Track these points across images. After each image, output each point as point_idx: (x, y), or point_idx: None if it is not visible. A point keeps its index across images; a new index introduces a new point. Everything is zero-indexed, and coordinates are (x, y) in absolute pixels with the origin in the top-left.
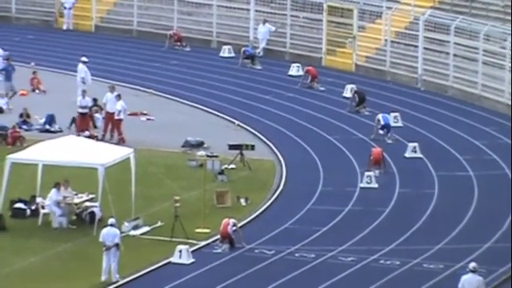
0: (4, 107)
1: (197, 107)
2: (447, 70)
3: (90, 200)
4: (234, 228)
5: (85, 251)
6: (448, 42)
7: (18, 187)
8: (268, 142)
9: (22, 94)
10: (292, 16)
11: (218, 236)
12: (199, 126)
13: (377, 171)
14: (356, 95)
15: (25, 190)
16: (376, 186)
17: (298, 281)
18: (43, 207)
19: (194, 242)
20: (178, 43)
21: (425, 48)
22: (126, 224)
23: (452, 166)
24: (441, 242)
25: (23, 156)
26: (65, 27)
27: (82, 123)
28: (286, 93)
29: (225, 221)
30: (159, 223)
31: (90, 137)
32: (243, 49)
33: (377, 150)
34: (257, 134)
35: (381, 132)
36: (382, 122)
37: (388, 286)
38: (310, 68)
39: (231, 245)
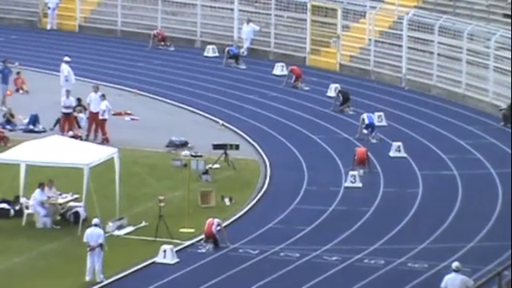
0: None
1: (181, 107)
2: (431, 70)
3: (75, 200)
4: (219, 228)
5: (69, 251)
6: (432, 41)
7: (2, 187)
8: (252, 142)
9: (8, 95)
10: (276, 15)
11: (203, 236)
12: (183, 125)
13: (361, 170)
14: (340, 94)
15: (9, 190)
16: (360, 185)
17: (282, 280)
18: (27, 207)
19: (179, 241)
20: (162, 43)
21: (409, 47)
22: (110, 224)
23: (436, 165)
24: (425, 241)
25: (7, 156)
26: (49, 27)
27: (66, 123)
28: (270, 92)
29: (209, 220)
30: (143, 223)
31: (74, 137)
32: (227, 48)
33: (361, 149)
34: (241, 133)
35: (365, 131)
36: (367, 122)
37: (372, 286)
38: (294, 67)
39: (215, 244)
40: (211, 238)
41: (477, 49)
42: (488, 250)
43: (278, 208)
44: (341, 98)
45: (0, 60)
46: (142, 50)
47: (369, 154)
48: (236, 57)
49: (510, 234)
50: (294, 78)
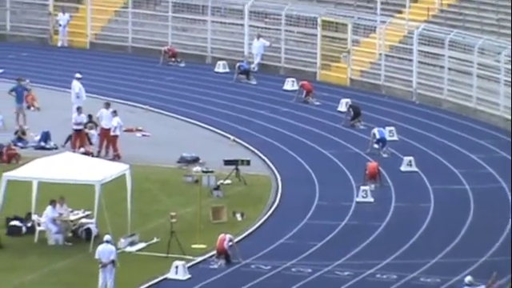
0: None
1: (192, 123)
2: (442, 84)
3: (86, 217)
4: (230, 243)
5: (81, 268)
6: (442, 55)
7: (14, 205)
8: (263, 157)
9: (19, 112)
10: (286, 31)
11: (214, 252)
12: (194, 141)
13: (372, 185)
14: (351, 109)
15: (20, 207)
16: (372, 200)
17: None
18: (39, 224)
19: (191, 257)
20: (173, 59)
21: (419, 62)
22: (122, 240)
23: (448, 180)
24: (437, 256)
25: (19, 173)
26: (59, 44)
27: (78, 140)
28: (281, 107)
29: (221, 236)
30: (155, 239)
31: (85, 153)
32: (238, 64)
33: (372, 164)
34: (252, 149)
35: (376, 146)
36: (378, 136)
37: None
38: (304, 83)
39: (227, 260)
40: (223, 253)
41: (487, 63)
42: (500, 264)
43: (289, 223)
44: (352, 112)
45: (15, 78)
46: (152, 67)
47: (380, 168)
48: (247, 72)
49: None
50: (304, 93)
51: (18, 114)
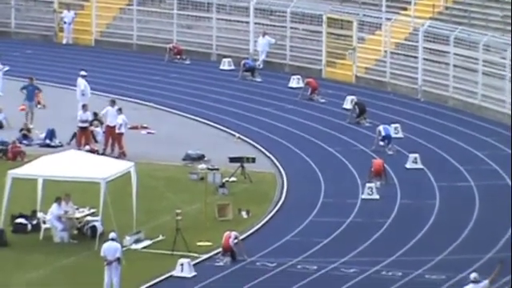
0: (3, 122)
1: (197, 120)
2: (447, 81)
3: (92, 214)
4: (236, 241)
5: (86, 266)
6: (448, 52)
7: (19, 202)
8: (269, 155)
9: (22, 109)
10: (292, 28)
11: (220, 249)
12: (200, 139)
13: (378, 183)
14: (356, 106)
15: (26, 205)
16: (377, 197)
17: None
18: (44, 222)
19: (196, 255)
20: (178, 56)
21: (424, 59)
22: (127, 238)
23: (453, 177)
24: (442, 253)
25: (24, 171)
26: (64, 41)
27: (83, 137)
28: (286, 105)
29: (226, 233)
30: (160, 237)
31: (90, 151)
32: (243, 61)
33: (377, 161)
34: (257, 146)
35: (381, 144)
36: (383, 133)
37: None
38: (310, 80)
39: (233, 257)
40: (228, 251)
41: (493, 60)
42: (505, 261)
43: (295, 220)
44: (357, 109)
45: (26, 77)
46: (158, 64)
47: (385, 165)
48: (252, 70)
49: None
50: (310, 91)
51: (28, 113)
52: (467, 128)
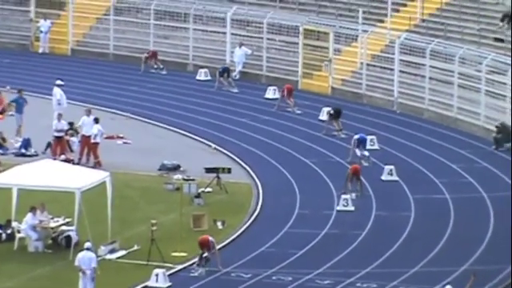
0: None
1: (173, 130)
2: (423, 93)
3: (66, 224)
4: (213, 250)
5: (61, 275)
6: (423, 65)
7: None
8: (244, 165)
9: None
10: (268, 39)
11: (197, 249)
12: (176, 149)
13: (353, 194)
14: (331, 110)
15: (0, 214)
16: (352, 208)
17: None
18: (19, 231)
19: (171, 265)
20: (153, 60)
21: (400, 71)
22: (102, 248)
23: (428, 189)
24: (417, 265)
25: None
26: (41, 51)
27: (58, 147)
28: (262, 116)
29: (204, 236)
30: (136, 247)
31: (65, 160)
32: (218, 69)
33: (354, 165)
34: (233, 157)
35: (357, 151)
36: (357, 137)
37: None
38: (287, 85)
39: (208, 256)
40: (206, 246)
41: (468, 72)
42: (480, 273)
43: (270, 231)
44: (332, 111)
45: (15, 90)
46: (134, 74)
47: (361, 176)
48: (227, 71)
49: (509, 256)
50: (286, 92)
51: (20, 126)
52: (443, 140)
